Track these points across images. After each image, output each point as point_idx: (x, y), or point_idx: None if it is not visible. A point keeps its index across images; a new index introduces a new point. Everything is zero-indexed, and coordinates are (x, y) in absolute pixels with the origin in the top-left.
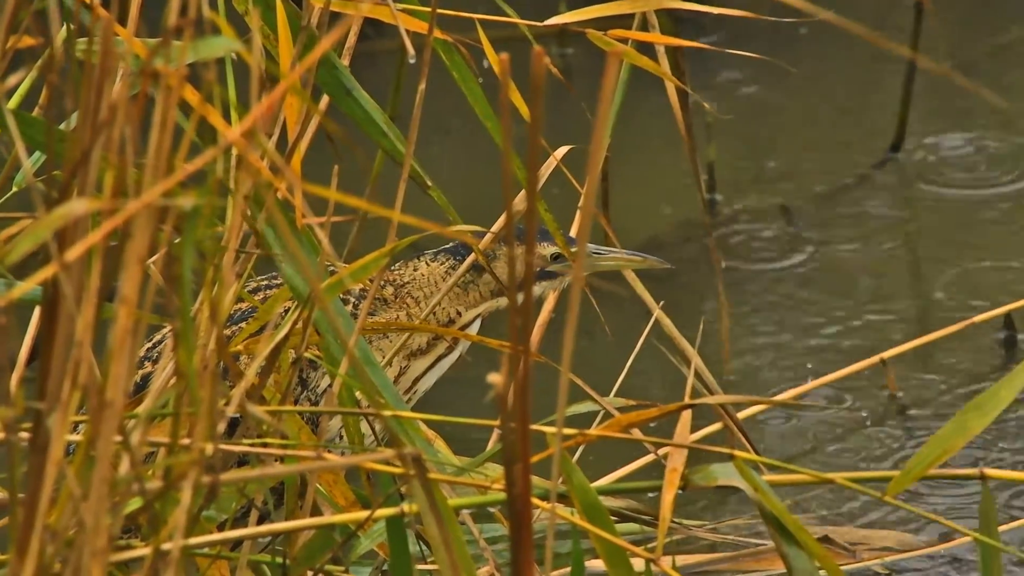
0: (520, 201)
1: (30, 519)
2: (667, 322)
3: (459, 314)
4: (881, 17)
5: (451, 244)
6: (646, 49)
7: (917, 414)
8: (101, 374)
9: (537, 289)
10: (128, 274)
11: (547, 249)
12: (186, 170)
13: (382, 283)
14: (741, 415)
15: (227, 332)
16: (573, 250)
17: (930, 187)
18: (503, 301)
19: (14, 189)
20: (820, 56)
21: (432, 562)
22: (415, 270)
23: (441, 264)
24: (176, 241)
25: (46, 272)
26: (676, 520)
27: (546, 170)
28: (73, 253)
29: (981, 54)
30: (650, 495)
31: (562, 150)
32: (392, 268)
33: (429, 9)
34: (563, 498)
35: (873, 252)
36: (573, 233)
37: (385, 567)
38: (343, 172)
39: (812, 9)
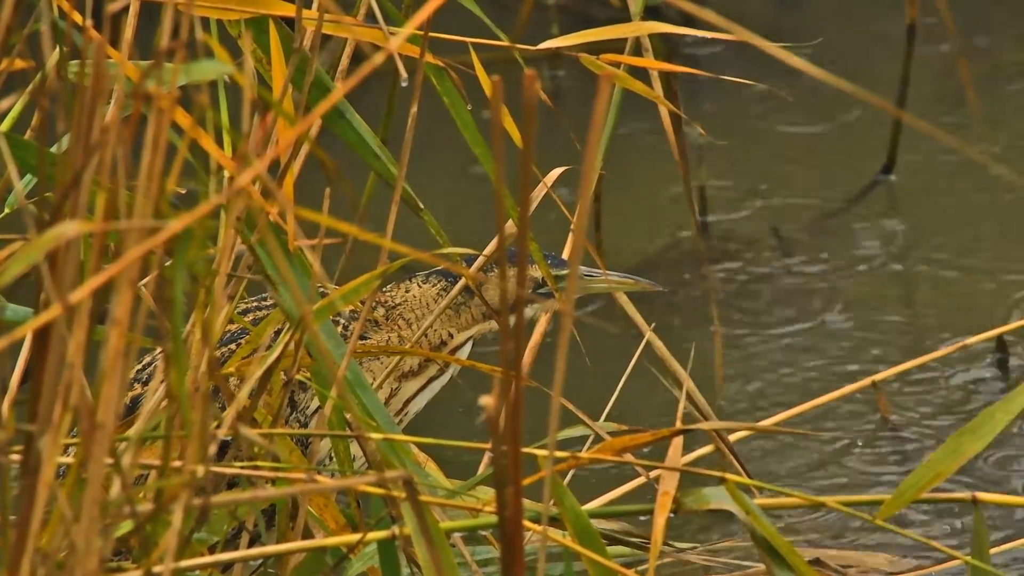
0: (512, 226)
1: (21, 541)
2: (659, 344)
3: (451, 336)
4: (875, 37)
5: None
6: (638, 73)
7: (909, 437)
8: (92, 396)
9: (529, 311)
10: (120, 296)
11: (538, 271)
12: (194, 216)
13: (373, 304)
14: (733, 438)
15: (217, 353)
16: (564, 272)
17: (923, 208)
18: (495, 323)
19: (6, 211)
20: (811, 78)
21: None
22: (407, 292)
23: (433, 286)
24: (168, 263)
25: (49, 314)
26: (668, 543)
27: (536, 195)
28: (77, 296)
29: (975, 75)
30: (642, 518)
31: (553, 174)
32: (383, 290)
33: (421, 32)
34: (555, 521)
35: (865, 274)
36: (566, 255)
37: None
38: (336, 191)
39: (798, 64)
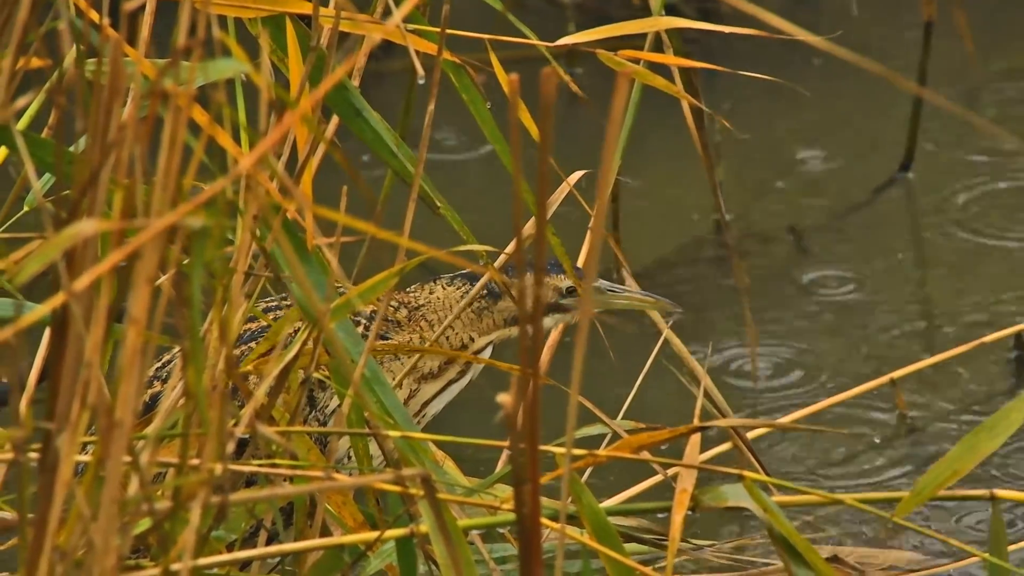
0: (531, 227)
1: (40, 539)
2: (676, 342)
3: (472, 340)
4: (891, 36)
5: (469, 269)
6: (657, 70)
7: (927, 434)
8: (110, 394)
9: (549, 321)
10: (138, 294)
11: (563, 282)
12: (197, 200)
13: (396, 305)
14: (750, 435)
15: (236, 352)
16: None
17: (940, 206)
18: (516, 330)
19: (24, 209)
20: (828, 75)
21: None
22: (431, 293)
23: (457, 289)
24: (186, 261)
25: (56, 300)
26: (686, 540)
27: (558, 196)
28: (83, 282)
29: (992, 72)
30: (659, 516)
31: (575, 175)
32: (408, 290)
33: (439, 30)
34: (572, 519)
35: (883, 271)
36: (584, 255)
37: None
38: (354, 189)
39: (822, 44)
